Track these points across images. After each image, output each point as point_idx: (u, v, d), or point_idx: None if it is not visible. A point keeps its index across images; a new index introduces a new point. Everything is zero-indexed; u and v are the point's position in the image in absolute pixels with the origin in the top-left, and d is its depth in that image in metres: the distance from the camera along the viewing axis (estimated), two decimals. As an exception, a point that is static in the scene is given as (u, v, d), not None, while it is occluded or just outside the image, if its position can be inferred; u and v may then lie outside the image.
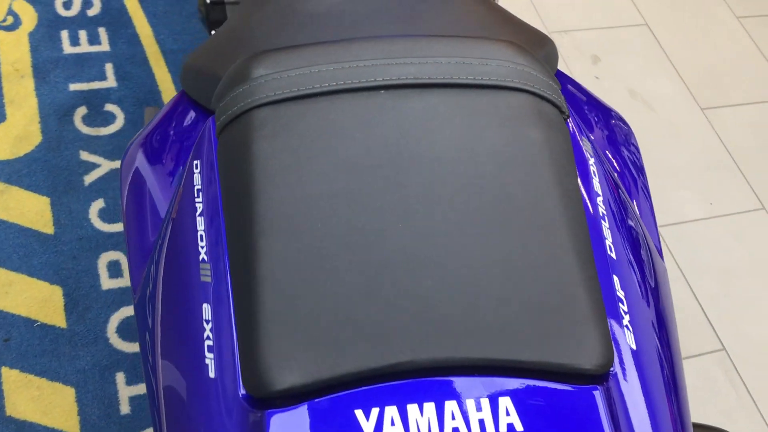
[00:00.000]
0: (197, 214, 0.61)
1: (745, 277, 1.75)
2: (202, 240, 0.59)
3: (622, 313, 0.58)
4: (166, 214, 0.67)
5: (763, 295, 1.72)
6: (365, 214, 0.55)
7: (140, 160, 0.75)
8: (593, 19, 2.21)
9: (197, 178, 0.63)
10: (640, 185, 0.76)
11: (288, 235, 0.53)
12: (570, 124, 0.68)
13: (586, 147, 0.67)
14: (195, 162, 0.65)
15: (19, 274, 1.41)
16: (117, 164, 1.58)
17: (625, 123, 0.82)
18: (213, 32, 1.34)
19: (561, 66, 2.06)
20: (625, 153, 0.77)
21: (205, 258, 0.58)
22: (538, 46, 0.76)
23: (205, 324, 0.56)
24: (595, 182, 0.64)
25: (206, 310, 0.56)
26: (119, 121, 1.64)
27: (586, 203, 0.62)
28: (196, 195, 0.62)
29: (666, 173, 1.90)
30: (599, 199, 0.63)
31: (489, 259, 0.54)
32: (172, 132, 0.75)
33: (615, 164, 0.74)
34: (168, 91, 1.71)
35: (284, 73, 0.62)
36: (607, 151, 0.74)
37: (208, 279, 0.57)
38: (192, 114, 0.75)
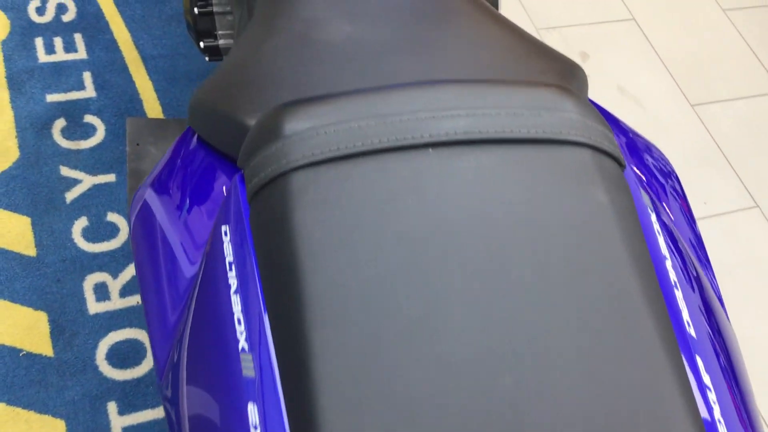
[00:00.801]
0: (232, 291, 0.56)
1: (743, 276, 1.73)
2: (240, 324, 0.54)
3: (712, 404, 0.54)
4: (192, 287, 0.61)
5: (761, 294, 1.71)
6: (424, 297, 0.50)
7: (151, 215, 0.69)
8: (580, 15, 2.17)
9: (227, 248, 0.58)
10: (696, 232, 0.72)
11: (343, 326, 0.48)
12: (626, 173, 0.64)
13: (646, 200, 0.63)
14: (223, 228, 0.60)
15: (1, 300, 1.35)
16: (99, 179, 1.52)
17: (662, 155, 0.78)
18: (219, 61, 1.28)
19: (550, 64, 2.03)
20: (672, 193, 0.73)
21: (245, 347, 0.53)
22: (570, 77, 0.72)
23: (253, 430, 0.50)
24: (661, 242, 0.60)
25: (253, 412, 0.51)
26: (100, 133, 1.57)
27: (657, 270, 0.58)
28: (228, 268, 0.57)
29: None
30: (668, 264, 0.59)
31: (569, 352, 0.50)
32: (185, 179, 0.69)
33: (669, 210, 0.70)
34: (149, 100, 1.65)
35: (321, 129, 0.56)
36: (660, 198, 0.70)
37: (251, 373, 0.52)
38: (204, 157, 0.69)
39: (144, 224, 0.69)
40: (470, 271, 0.51)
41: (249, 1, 1.05)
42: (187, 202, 0.67)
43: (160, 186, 0.71)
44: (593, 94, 1.99)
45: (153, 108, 1.64)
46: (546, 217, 0.54)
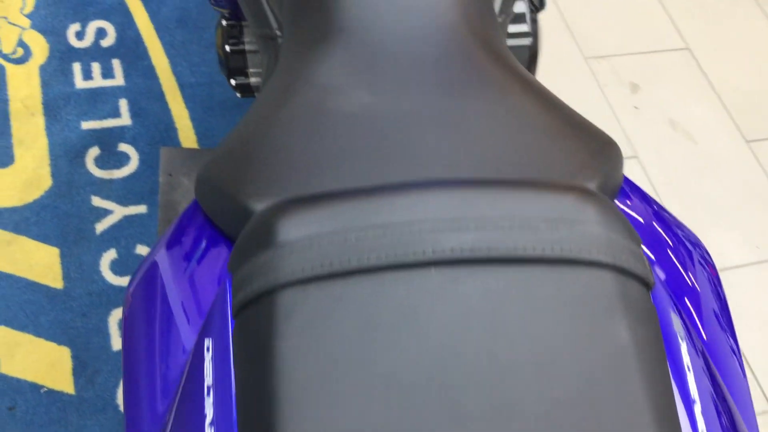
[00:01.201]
0: (207, 423, 0.51)
1: (794, 331, 1.64)
2: None
3: None
4: (172, 400, 0.57)
5: (814, 351, 1.62)
6: None
7: (149, 292, 0.66)
8: (632, 44, 2.09)
9: (207, 368, 0.54)
10: (736, 360, 0.65)
11: None
12: (655, 292, 0.58)
13: (677, 326, 0.57)
14: (206, 342, 0.56)
15: (25, 335, 1.34)
16: (130, 210, 1.50)
17: (706, 253, 0.71)
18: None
19: (598, 97, 1.96)
20: (713, 305, 0.66)
21: None
22: (601, 156, 0.66)
23: None
24: (690, 382, 0.54)
25: None
26: (133, 163, 1.56)
27: (684, 416, 0.52)
28: (206, 393, 0.53)
29: (707, 212, 1.79)
30: (696, 409, 0.53)
31: None
32: (186, 259, 0.65)
33: (702, 329, 0.63)
34: (185, 128, 1.63)
35: (315, 239, 0.52)
36: (693, 313, 0.63)
37: None
38: (208, 238, 0.65)
39: (141, 300, 0.66)
40: (473, 426, 0.46)
41: (275, 48, 1.01)
42: (187, 285, 0.63)
43: (161, 262, 0.67)
44: (643, 128, 1.91)
45: (188, 137, 1.62)
46: (559, 356, 0.49)
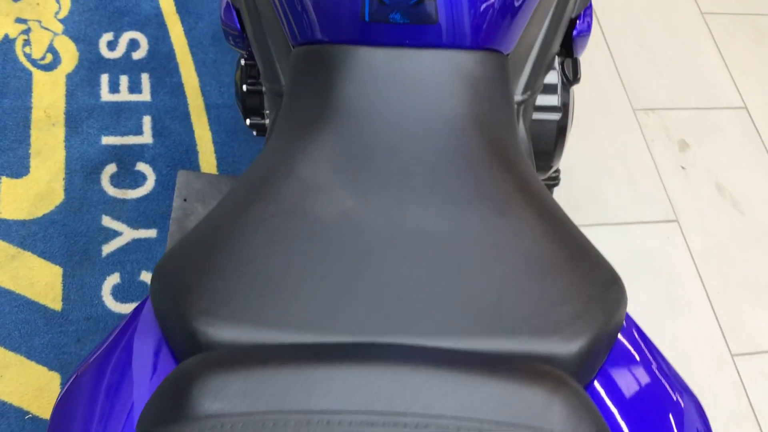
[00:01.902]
0: None
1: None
2: None
3: None
4: None
5: None
6: None
7: (74, 406, 0.60)
8: (686, 98, 1.99)
9: None
10: None
11: None
12: None
13: None
14: None
15: (17, 355, 1.30)
16: (140, 233, 1.46)
17: (698, 410, 0.62)
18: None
19: (644, 152, 1.86)
20: None
21: None
22: (602, 301, 0.58)
23: None
24: None
25: None
26: (149, 183, 1.52)
27: None
28: None
29: (746, 289, 1.68)
30: None
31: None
32: (122, 367, 0.60)
33: None
34: (206, 152, 1.58)
35: (227, 420, 0.45)
36: None
37: None
38: (151, 346, 0.59)
39: (60, 421, 0.60)
40: None
41: (279, 110, 0.96)
42: (108, 409, 0.57)
43: (97, 368, 0.61)
44: (688, 190, 1.81)
45: (208, 161, 1.57)
46: None
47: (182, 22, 1.74)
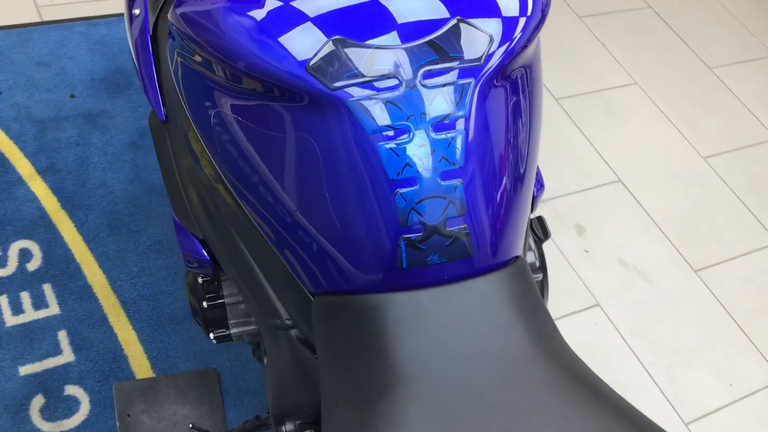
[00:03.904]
0: None
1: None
2: None
3: None
4: None
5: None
6: None
7: None
8: (566, 183, 2.10)
9: None
10: None
11: None
12: None
13: None
14: None
15: None
16: (89, 466, 1.33)
17: None
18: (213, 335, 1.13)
19: (550, 244, 1.93)
20: None
21: None
22: None
23: None
24: None
25: None
26: (84, 407, 1.39)
27: None
28: None
29: (677, 355, 1.78)
30: None
31: None
32: None
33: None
34: (135, 354, 1.47)
35: None
36: None
37: None
38: None
39: None
40: None
41: (288, 340, 0.91)
42: None
43: None
44: (597, 272, 1.90)
45: (140, 364, 1.46)
46: None
47: (71, 217, 1.63)
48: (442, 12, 0.74)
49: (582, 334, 1.78)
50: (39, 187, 1.67)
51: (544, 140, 2.16)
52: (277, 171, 0.76)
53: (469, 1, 0.75)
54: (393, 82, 0.70)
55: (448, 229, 0.72)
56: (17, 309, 1.48)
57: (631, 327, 1.81)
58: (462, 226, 0.73)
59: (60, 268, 1.56)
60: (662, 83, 2.48)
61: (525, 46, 0.77)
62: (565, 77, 2.40)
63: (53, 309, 1.50)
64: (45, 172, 1.70)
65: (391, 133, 0.71)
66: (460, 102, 0.72)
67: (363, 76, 0.70)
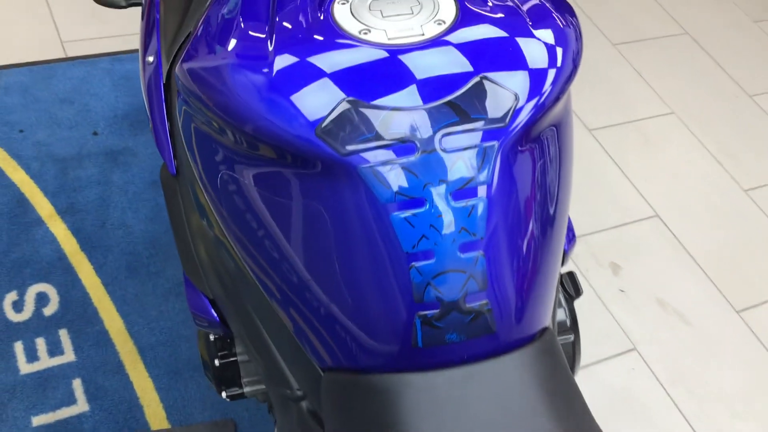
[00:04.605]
0: None
1: None
2: None
3: None
4: None
5: None
6: None
7: None
8: (602, 219, 2.02)
9: None
10: None
11: None
12: None
13: None
14: None
15: None
16: None
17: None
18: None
19: (584, 283, 1.86)
20: None
21: None
22: None
23: None
24: None
25: None
26: (98, 460, 1.34)
27: None
28: None
29: (720, 402, 1.68)
30: None
31: None
32: None
33: None
34: (151, 404, 1.42)
35: None
36: None
37: None
38: None
39: None
40: None
41: (298, 411, 0.85)
42: None
43: None
44: (633, 314, 1.81)
45: (156, 414, 1.41)
46: None
47: (90, 259, 1.60)
48: (464, 66, 0.68)
49: (618, 380, 1.69)
50: (58, 228, 1.64)
51: (576, 173, 2.09)
52: (285, 239, 0.70)
53: (494, 53, 0.69)
54: (409, 146, 0.65)
55: (467, 305, 0.66)
56: (32, 356, 1.45)
57: (670, 373, 1.72)
58: (483, 302, 0.66)
59: (77, 312, 1.52)
60: (700, 112, 2.39)
61: (554, 102, 0.71)
62: (598, 107, 2.33)
63: (69, 356, 1.46)
64: (65, 212, 1.67)
65: (406, 201, 0.65)
66: (482, 167, 0.66)
67: (377, 140, 0.65)
